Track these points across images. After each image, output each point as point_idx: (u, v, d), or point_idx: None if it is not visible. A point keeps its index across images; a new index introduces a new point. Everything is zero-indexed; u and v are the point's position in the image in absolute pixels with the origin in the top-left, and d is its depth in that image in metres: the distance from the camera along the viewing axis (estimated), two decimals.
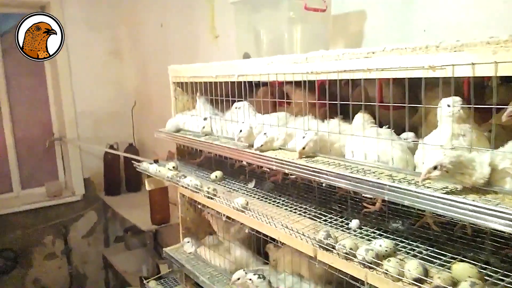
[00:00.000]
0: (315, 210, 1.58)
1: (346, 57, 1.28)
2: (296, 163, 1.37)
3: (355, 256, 1.13)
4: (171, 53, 4.08)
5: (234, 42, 2.75)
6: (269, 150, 1.60)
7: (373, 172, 1.21)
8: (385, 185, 1.08)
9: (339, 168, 1.28)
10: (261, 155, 1.54)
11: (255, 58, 1.65)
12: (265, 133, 1.63)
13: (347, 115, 1.44)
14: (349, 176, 1.18)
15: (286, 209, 1.62)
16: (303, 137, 1.46)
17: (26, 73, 4.72)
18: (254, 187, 1.88)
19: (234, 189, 1.90)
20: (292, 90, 1.93)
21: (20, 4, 4.59)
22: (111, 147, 4.74)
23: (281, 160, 1.43)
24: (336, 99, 1.37)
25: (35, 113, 4.85)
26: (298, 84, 1.93)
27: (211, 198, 1.74)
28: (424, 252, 1.17)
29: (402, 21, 1.99)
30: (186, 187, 1.87)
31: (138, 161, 4.72)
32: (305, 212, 1.56)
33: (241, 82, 1.78)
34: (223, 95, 1.92)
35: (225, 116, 1.98)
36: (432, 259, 1.14)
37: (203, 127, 1.94)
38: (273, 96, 1.93)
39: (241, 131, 1.69)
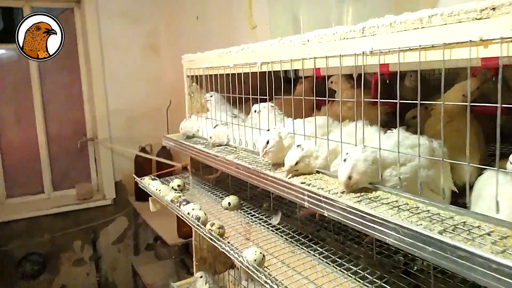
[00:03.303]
0: (367, 271, 1.01)
1: (436, 21, 0.71)
2: (340, 203, 0.82)
3: None
4: (208, 47, 3.69)
5: None
6: (304, 173, 1.06)
7: (488, 234, 0.64)
8: None
9: (418, 219, 0.71)
10: (287, 183, 1.00)
11: (284, 38, 1.13)
12: (298, 145, 1.08)
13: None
14: (442, 242, 0.62)
15: (325, 264, 1.06)
16: (345, 160, 0.91)
17: (61, 69, 4.51)
18: (279, 223, 1.33)
19: (251, 222, 1.37)
20: (339, 84, 1.38)
21: None
22: (143, 149, 4.42)
23: (317, 194, 0.89)
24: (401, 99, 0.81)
25: (68, 111, 4.62)
26: (347, 77, 1.39)
27: (214, 242, 1.22)
28: None
29: None
30: (186, 219, 1.36)
31: (170, 165, 4.42)
32: (350, 274, 0.99)
33: (268, 73, 1.26)
34: (245, 91, 1.40)
35: (246, 121, 1.46)
36: None
37: (210, 137, 1.43)
38: (313, 94, 1.40)
39: (268, 142, 1.15)
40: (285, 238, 1.22)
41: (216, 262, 1.90)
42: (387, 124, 1.18)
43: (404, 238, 0.67)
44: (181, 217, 1.39)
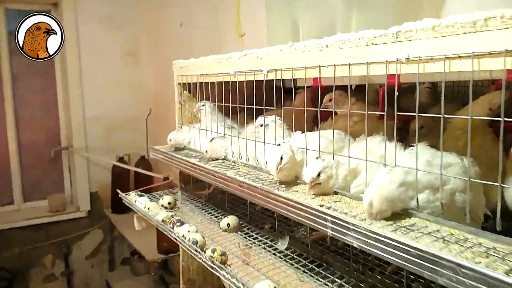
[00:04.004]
0: None
1: (493, 24, 0.62)
2: (374, 233, 0.71)
3: None
4: (192, 55, 3.56)
5: (263, 41, 2.21)
6: (322, 193, 0.94)
7: None
8: None
9: (473, 256, 0.60)
10: (305, 206, 0.88)
11: (296, 43, 1.02)
12: (318, 157, 0.97)
13: None
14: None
15: None
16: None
17: (35, 74, 4.28)
18: (286, 248, 1.20)
19: (254, 246, 1.23)
20: (341, 98, 1.29)
21: (31, 0, 4.18)
22: (121, 159, 4.22)
23: (343, 221, 0.77)
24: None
25: (42, 118, 4.39)
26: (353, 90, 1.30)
27: (217, 271, 1.07)
28: None
29: None
30: (180, 243, 1.22)
31: (149, 177, 4.22)
32: None
33: (273, 83, 1.15)
34: (240, 101, 1.28)
35: (244, 132, 1.33)
36: None
37: (206, 151, 1.30)
38: (313, 105, 1.30)
39: (282, 158, 1.03)
40: (296, 266, 1.09)
41: (206, 284, 1.75)
42: (399, 140, 1.09)
43: (464, 279, 0.56)
44: (174, 240, 1.24)
